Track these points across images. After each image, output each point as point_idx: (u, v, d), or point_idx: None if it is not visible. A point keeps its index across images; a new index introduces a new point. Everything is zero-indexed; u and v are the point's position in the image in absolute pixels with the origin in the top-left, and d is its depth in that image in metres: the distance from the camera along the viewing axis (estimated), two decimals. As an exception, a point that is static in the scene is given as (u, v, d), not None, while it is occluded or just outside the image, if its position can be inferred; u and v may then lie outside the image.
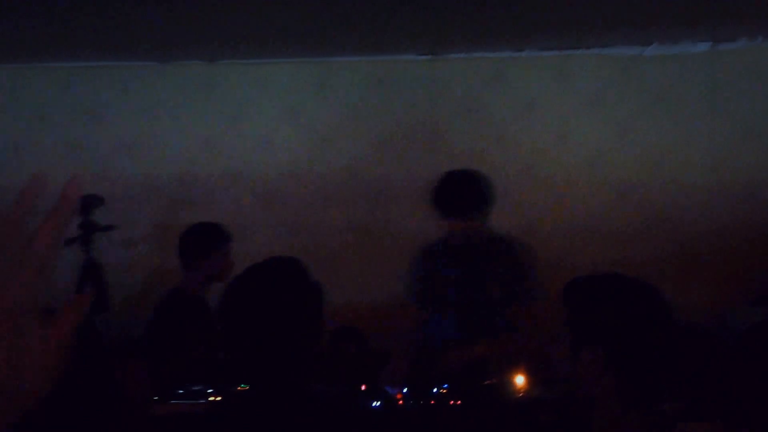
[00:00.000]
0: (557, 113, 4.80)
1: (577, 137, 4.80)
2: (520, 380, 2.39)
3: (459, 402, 2.46)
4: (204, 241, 3.36)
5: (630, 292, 1.66)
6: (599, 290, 1.67)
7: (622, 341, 1.59)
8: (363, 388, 2.49)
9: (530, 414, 2.28)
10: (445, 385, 2.55)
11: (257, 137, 4.84)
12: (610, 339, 1.59)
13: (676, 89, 4.77)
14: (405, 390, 2.51)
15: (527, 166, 4.80)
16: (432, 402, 2.49)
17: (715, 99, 4.75)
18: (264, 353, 1.66)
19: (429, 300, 3.11)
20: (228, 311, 1.73)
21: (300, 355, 1.68)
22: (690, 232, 4.75)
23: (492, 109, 4.82)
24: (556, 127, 4.80)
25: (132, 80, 4.81)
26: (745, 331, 2.77)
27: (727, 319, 4.19)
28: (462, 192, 2.95)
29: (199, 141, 4.82)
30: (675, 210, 4.76)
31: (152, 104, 4.82)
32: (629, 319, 1.61)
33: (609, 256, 4.48)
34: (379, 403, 2.46)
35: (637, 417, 1.59)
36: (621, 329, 1.60)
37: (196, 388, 2.45)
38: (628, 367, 1.59)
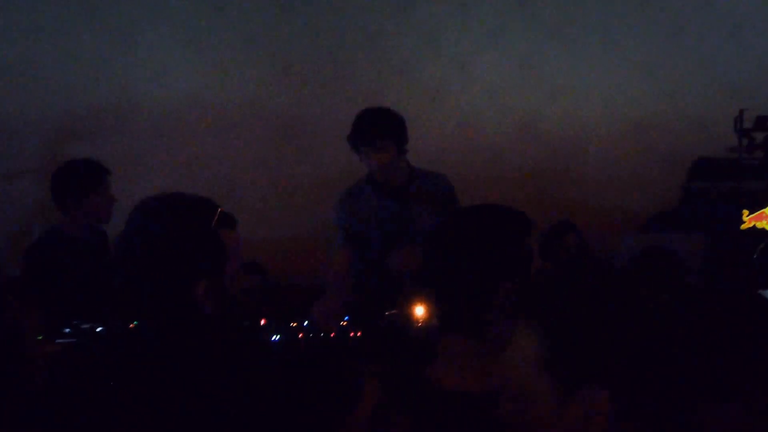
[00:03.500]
0: (459, 45, 4.81)
1: (479, 69, 4.82)
2: (419, 311, 2.43)
3: (359, 334, 2.49)
4: (79, 181, 3.12)
5: (507, 219, 1.66)
6: (500, 224, 1.64)
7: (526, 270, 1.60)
8: (263, 322, 2.48)
9: (427, 344, 2.32)
10: (346, 317, 2.57)
11: (150, 64, 4.62)
12: (519, 271, 1.59)
13: (572, 23, 4.84)
14: (306, 323, 2.52)
15: (431, 97, 4.80)
16: (332, 335, 2.51)
17: (609, 32, 4.85)
18: (160, 288, 1.61)
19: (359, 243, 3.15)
20: (124, 245, 1.67)
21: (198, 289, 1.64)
22: (586, 162, 4.90)
23: (396, 39, 4.78)
24: (459, 59, 4.80)
25: None
26: (633, 257, 2.91)
27: (620, 246, 4.37)
28: (374, 120, 3.08)
29: (88, 68, 4.56)
30: (572, 141, 4.89)
31: (36, 26, 4.50)
32: (523, 246, 1.61)
33: (510, 185, 4.58)
34: (279, 336, 2.46)
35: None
36: (525, 258, 1.61)
37: (84, 326, 2.38)
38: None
